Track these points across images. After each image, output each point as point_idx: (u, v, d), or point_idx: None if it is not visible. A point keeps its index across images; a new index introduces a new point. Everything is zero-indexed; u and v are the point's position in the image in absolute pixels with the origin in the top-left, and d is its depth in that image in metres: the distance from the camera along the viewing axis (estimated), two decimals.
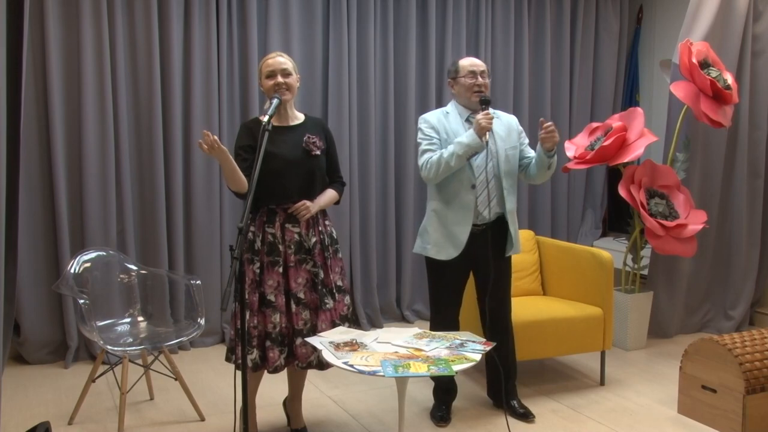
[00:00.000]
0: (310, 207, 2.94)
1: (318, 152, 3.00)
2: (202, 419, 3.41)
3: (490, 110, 3.12)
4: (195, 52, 4.39)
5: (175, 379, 3.40)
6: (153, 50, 4.27)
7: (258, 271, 2.93)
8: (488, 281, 3.26)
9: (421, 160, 3.18)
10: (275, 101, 2.80)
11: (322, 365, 3.01)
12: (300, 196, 2.94)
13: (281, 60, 2.99)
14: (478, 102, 3.15)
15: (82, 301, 3.16)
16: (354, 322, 4.95)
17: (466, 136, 3.07)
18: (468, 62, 3.25)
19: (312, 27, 4.76)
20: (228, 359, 3.04)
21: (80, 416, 3.42)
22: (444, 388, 3.45)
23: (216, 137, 2.71)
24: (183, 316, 4.32)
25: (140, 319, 3.62)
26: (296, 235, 2.96)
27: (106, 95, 4.18)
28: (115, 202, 4.27)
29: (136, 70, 4.31)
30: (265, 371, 3.01)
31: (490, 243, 3.20)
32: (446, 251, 3.21)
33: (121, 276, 3.64)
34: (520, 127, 3.40)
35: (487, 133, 3.05)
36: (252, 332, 2.93)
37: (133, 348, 3.33)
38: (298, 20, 4.71)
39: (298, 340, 2.95)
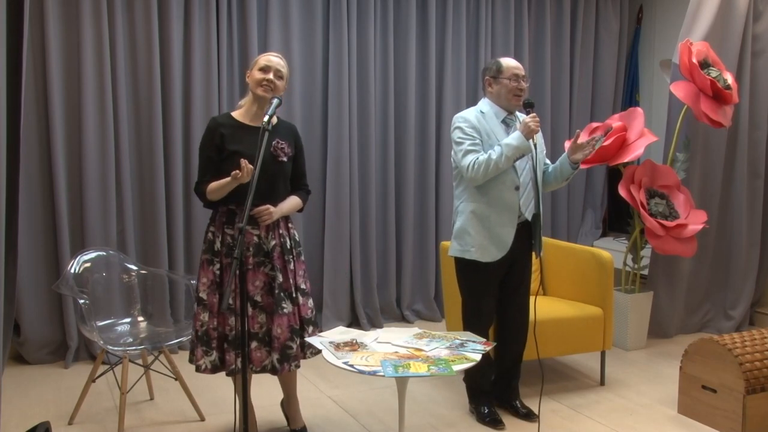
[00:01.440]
0: (273, 212, 2.90)
1: (284, 159, 2.96)
2: (202, 419, 3.41)
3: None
4: (195, 52, 4.39)
5: (175, 379, 3.40)
6: (153, 50, 4.27)
7: (218, 272, 2.92)
8: (520, 279, 3.31)
9: (466, 161, 3.14)
10: (275, 101, 2.79)
11: (276, 370, 2.94)
12: (260, 199, 2.88)
13: (280, 62, 2.98)
14: (523, 105, 3.14)
15: (82, 301, 3.16)
16: (354, 321, 4.99)
17: (514, 138, 3.05)
18: (512, 64, 3.22)
19: (312, 26, 4.76)
20: (190, 360, 3.00)
21: (80, 416, 3.42)
22: (487, 391, 3.42)
23: (252, 167, 2.73)
24: (183, 316, 4.33)
25: (140, 319, 3.62)
26: (255, 238, 2.92)
27: (106, 95, 4.18)
28: (115, 202, 4.26)
29: (136, 69, 4.31)
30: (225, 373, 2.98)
31: (532, 242, 3.23)
32: (490, 253, 3.19)
33: (122, 276, 3.64)
34: (541, 132, 3.41)
35: (535, 135, 3.06)
36: (212, 334, 2.92)
37: (133, 348, 3.33)
38: (298, 19, 4.71)
39: (253, 344, 2.91)
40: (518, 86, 3.19)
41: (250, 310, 2.90)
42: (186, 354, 4.36)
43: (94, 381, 3.38)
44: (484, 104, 3.28)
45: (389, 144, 5.04)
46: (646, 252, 4.71)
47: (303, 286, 3.03)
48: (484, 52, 5.23)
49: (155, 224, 4.37)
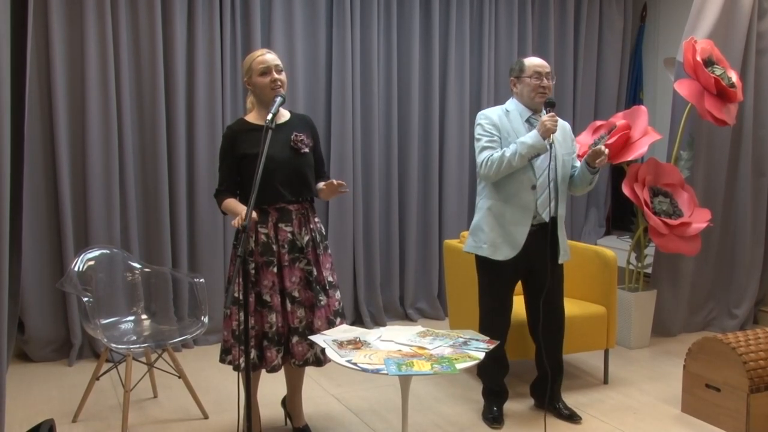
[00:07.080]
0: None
1: (306, 150, 2.99)
2: (206, 417, 3.42)
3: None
4: (198, 51, 4.39)
5: (179, 377, 3.40)
6: (156, 48, 4.28)
7: (253, 271, 2.93)
8: (542, 283, 3.21)
9: (481, 157, 3.13)
10: (278, 99, 2.79)
11: (320, 361, 3.00)
12: (292, 195, 2.93)
13: (274, 57, 2.97)
14: (543, 104, 3.12)
15: (86, 299, 3.17)
16: (357, 319, 4.99)
17: (529, 137, 3.03)
18: (534, 62, 3.19)
19: (315, 25, 4.76)
20: (222, 360, 3.02)
21: (84, 414, 3.43)
22: (495, 390, 3.40)
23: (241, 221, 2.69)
24: (186, 314, 4.33)
25: (144, 317, 3.62)
26: (289, 234, 2.94)
27: (110, 93, 4.19)
28: (119, 200, 4.27)
29: (139, 68, 4.31)
30: (263, 371, 3.01)
31: (548, 244, 3.15)
32: (503, 251, 3.16)
33: (125, 274, 3.64)
34: (573, 135, 3.37)
35: (551, 135, 3.03)
36: (249, 332, 2.93)
37: (137, 346, 3.33)
38: (301, 18, 4.71)
39: (295, 338, 2.95)
40: (540, 84, 3.14)
41: (289, 305, 2.93)
42: (189, 352, 4.42)
43: (97, 379, 3.39)
44: (510, 103, 3.25)
45: (392, 143, 5.04)
46: (649, 250, 4.70)
47: (330, 279, 3.06)
48: (488, 51, 5.22)
49: (159, 222, 4.38)
